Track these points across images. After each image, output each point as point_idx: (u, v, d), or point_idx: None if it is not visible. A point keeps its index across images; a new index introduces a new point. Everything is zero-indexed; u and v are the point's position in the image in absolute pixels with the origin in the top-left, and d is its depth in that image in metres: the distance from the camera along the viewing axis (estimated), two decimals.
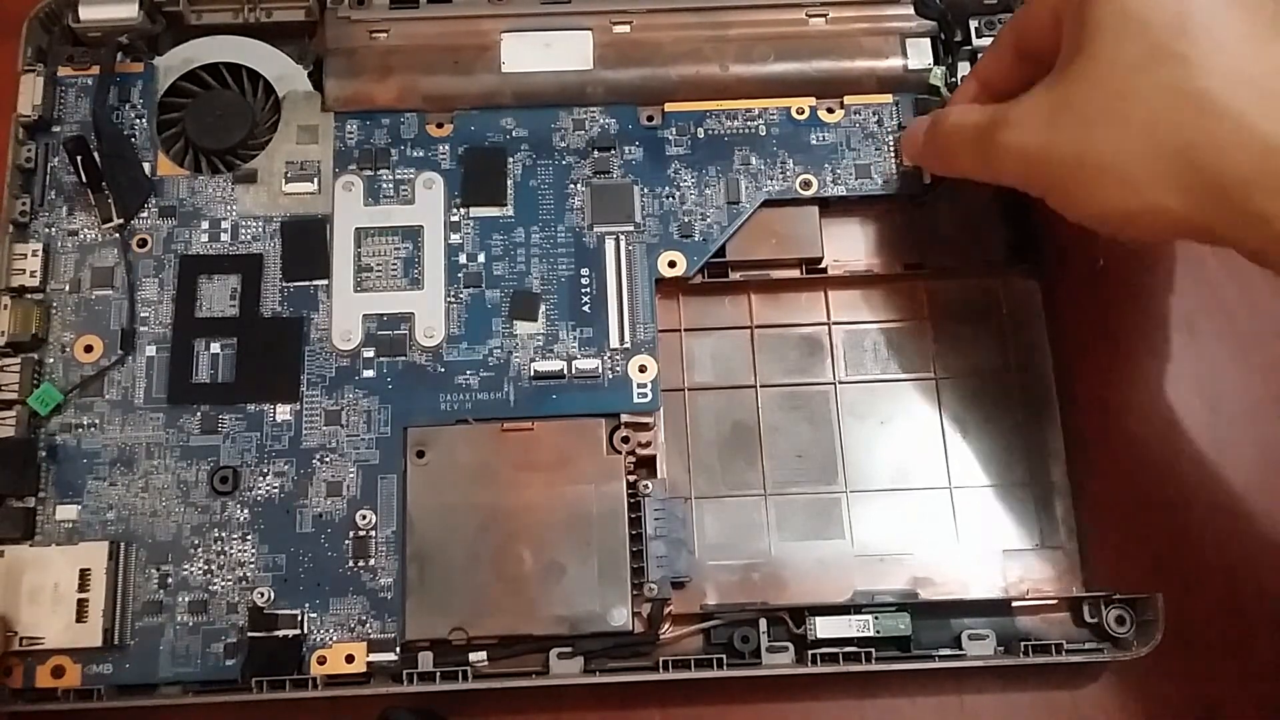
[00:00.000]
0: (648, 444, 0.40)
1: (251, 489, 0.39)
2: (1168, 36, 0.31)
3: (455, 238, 0.42)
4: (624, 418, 0.40)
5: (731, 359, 0.43)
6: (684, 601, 0.39)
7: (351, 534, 0.39)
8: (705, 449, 0.41)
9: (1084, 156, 0.33)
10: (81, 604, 0.37)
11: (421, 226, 0.42)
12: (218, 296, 0.41)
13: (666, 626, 0.39)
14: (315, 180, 0.42)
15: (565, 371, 0.40)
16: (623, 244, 0.42)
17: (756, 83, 0.43)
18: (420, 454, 0.39)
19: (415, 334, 0.41)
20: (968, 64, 0.44)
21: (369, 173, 0.42)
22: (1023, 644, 0.37)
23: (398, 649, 0.38)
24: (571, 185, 0.43)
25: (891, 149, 0.43)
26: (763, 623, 0.38)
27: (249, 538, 0.39)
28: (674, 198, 0.42)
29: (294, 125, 0.43)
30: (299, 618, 0.38)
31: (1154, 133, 0.31)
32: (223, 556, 0.38)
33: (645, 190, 0.42)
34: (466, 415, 0.40)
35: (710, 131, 0.43)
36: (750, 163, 0.43)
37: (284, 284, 0.41)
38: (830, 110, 0.43)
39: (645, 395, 0.40)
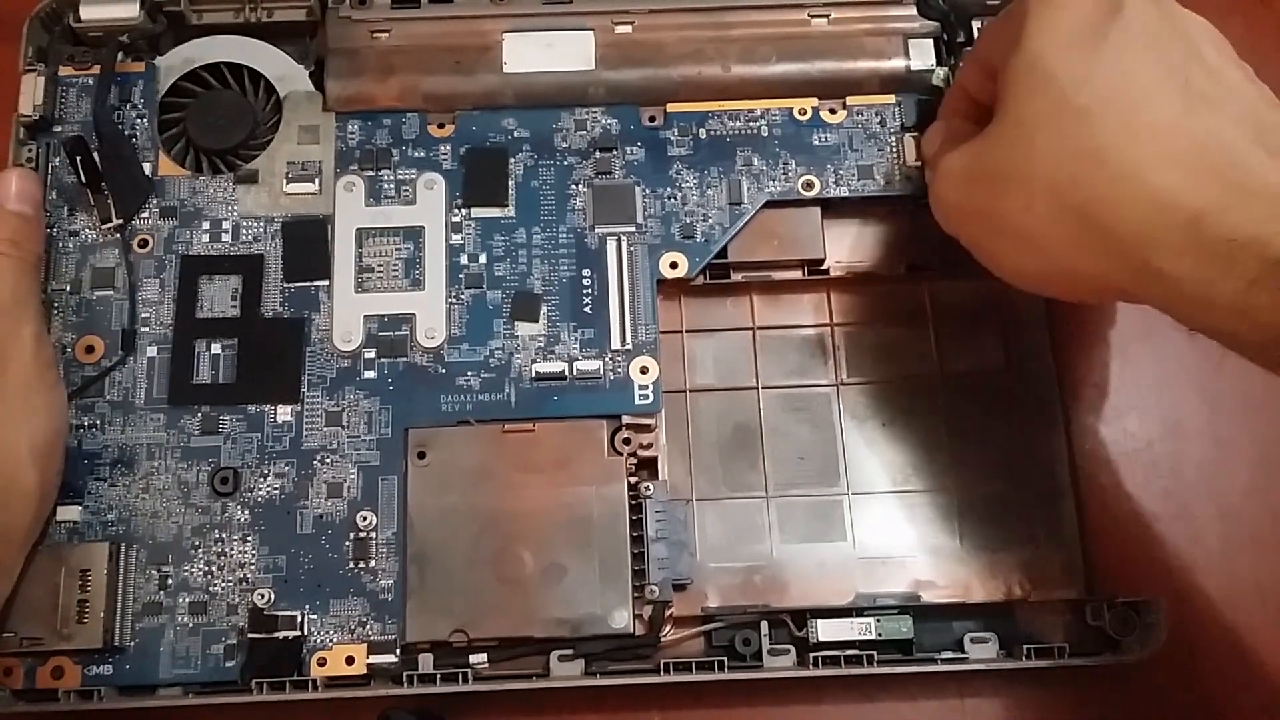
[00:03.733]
0: (649, 445, 0.39)
1: (252, 490, 0.39)
2: (1072, 91, 0.31)
3: (456, 238, 0.42)
4: (625, 419, 0.40)
5: (733, 360, 0.42)
6: (685, 604, 0.39)
7: (352, 535, 0.39)
8: (707, 450, 0.41)
9: (993, 219, 0.33)
10: (82, 605, 0.37)
11: (423, 227, 0.42)
12: (219, 297, 0.41)
13: (668, 629, 0.38)
14: (316, 180, 0.42)
15: (566, 373, 0.40)
16: (624, 245, 0.42)
17: (759, 83, 0.43)
18: (421, 455, 0.39)
19: (416, 335, 0.41)
20: None
21: (370, 173, 0.42)
22: (1025, 647, 0.37)
23: (398, 651, 0.37)
24: (573, 186, 0.42)
25: (894, 150, 0.43)
26: (764, 625, 0.38)
27: (249, 539, 0.39)
28: (676, 198, 0.42)
29: (295, 125, 0.43)
30: (299, 619, 0.38)
31: (1055, 192, 0.31)
32: (223, 558, 0.38)
33: (647, 191, 0.42)
34: (467, 416, 0.40)
35: (712, 132, 0.43)
36: (752, 163, 0.43)
37: (285, 285, 0.41)
38: (833, 111, 0.43)
39: (646, 396, 0.40)
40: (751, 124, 0.43)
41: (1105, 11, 0.32)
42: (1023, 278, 0.34)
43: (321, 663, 0.37)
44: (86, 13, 0.43)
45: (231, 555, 0.38)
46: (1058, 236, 0.32)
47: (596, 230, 0.42)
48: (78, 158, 0.40)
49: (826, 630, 0.37)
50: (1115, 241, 0.30)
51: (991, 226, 0.34)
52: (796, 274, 0.43)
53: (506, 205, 0.42)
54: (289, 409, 0.40)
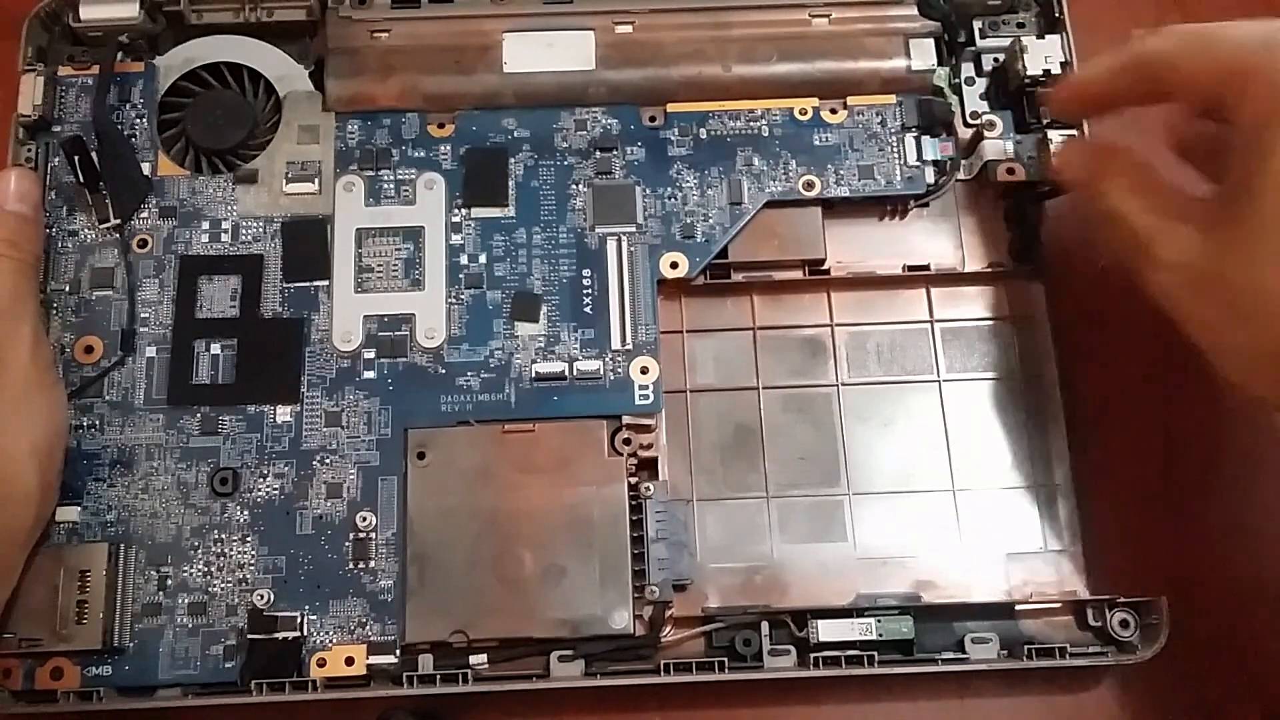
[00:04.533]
0: (649, 446, 0.39)
1: (251, 490, 0.39)
2: None
3: (456, 238, 0.42)
4: (625, 419, 0.40)
5: (734, 360, 0.42)
6: (685, 604, 0.39)
7: (352, 536, 0.39)
8: (707, 451, 0.41)
9: (1222, 335, 0.33)
10: (81, 605, 0.37)
11: (423, 227, 0.42)
12: (218, 297, 0.41)
13: (668, 629, 0.38)
14: (316, 180, 0.42)
15: (566, 373, 0.40)
16: (624, 245, 0.42)
17: (759, 83, 0.43)
18: (421, 455, 0.39)
19: (416, 335, 0.41)
20: (971, 65, 0.44)
21: (370, 173, 0.42)
22: (1026, 648, 0.37)
23: (398, 651, 0.37)
24: (573, 186, 0.42)
25: (895, 150, 0.43)
26: (765, 626, 0.38)
27: (249, 539, 0.39)
28: (676, 199, 0.42)
29: (295, 125, 0.43)
30: (299, 620, 0.38)
31: None
32: (222, 558, 0.38)
33: (647, 191, 0.42)
34: (467, 417, 0.40)
35: (713, 132, 0.43)
36: (753, 163, 0.43)
37: (284, 285, 0.41)
38: (833, 111, 0.43)
39: (647, 397, 0.40)
40: (752, 124, 0.43)
41: None
42: (1220, 363, 0.34)
43: (321, 663, 0.37)
44: (86, 12, 0.43)
45: (231, 556, 0.38)
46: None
47: (597, 230, 0.42)
48: (76, 158, 0.40)
49: (827, 630, 0.37)
50: None
51: (1217, 340, 0.33)
52: (797, 274, 0.43)
53: (506, 205, 0.42)
54: (288, 409, 0.40)
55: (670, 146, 0.43)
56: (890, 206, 0.43)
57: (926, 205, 0.43)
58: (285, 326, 0.41)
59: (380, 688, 0.37)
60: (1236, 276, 0.31)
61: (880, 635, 0.37)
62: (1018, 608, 0.39)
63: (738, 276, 0.42)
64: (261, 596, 0.38)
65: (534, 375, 0.40)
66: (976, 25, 0.44)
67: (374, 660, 0.37)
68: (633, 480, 0.39)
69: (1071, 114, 0.41)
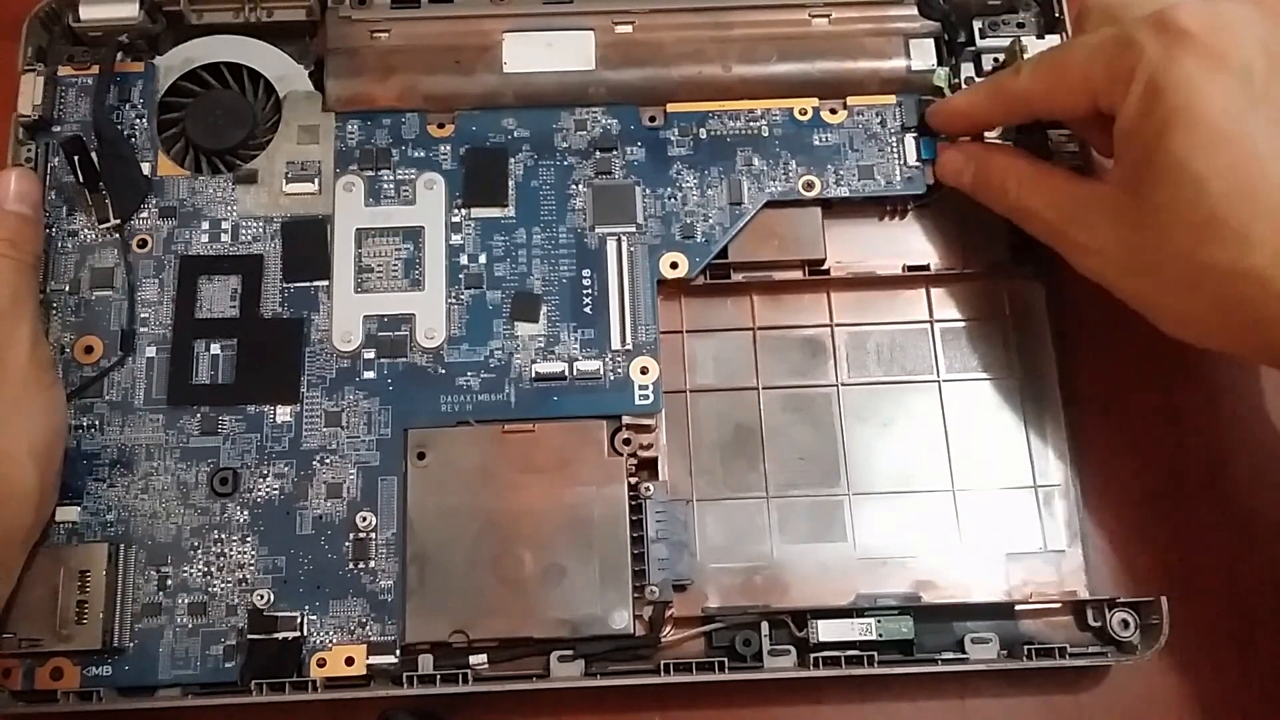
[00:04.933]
0: (649, 446, 0.39)
1: (251, 490, 0.39)
2: (1225, 207, 0.32)
3: (456, 238, 0.42)
4: (625, 419, 0.40)
5: (733, 361, 0.42)
6: (685, 604, 0.39)
7: (351, 536, 0.39)
8: (707, 451, 0.41)
9: (1158, 304, 0.35)
10: (81, 606, 0.37)
11: (422, 227, 0.42)
12: (218, 297, 0.41)
13: (668, 629, 0.38)
14: (316, 181, 0.42)
15: (566, 373, 0.40)
16: (624, 245, 0.42)
17: (759, 83, 0.43)
18: (421, 455, 0.39)
19: (416, 335, 0.40)
20: (971, 65, 0.44)
21: (370, 173, 0.42)
22: (1026, 648, 0.37)
23: (398, 651, 0.37)
24: (573, 186, 0.42)
25: (895, 150, 0.43)
26: (764, 626, 0.38)
27: (249, 539, 0.38)
28: (676, 199, 0.42)
29: (295, 125, 0.43)
30: (299, 620, 0.38)
31: (1223, 306, 0.33)
32: (222, 558, 0.38)
33: (647, 191, 0.42)
34: (467, 417, 0.40)
35: (712, 132, 0.43)
36: (753, 164, 0.43)
37: (284, 285, 0.41)
38: (833, 111, 0.43)
39: (647, 397, 0.40)
40: (752, 124, 0.43)
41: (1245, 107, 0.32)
42: (1174, 335, 0.36)
43: (321, 664, 0.37)
44: (86, 12, 0.43)
45: (231, 556, 0.38)
46: (1223, 335, 0.35)
47: (596, 230, 0.42)
48: (76, 157, 0.40)
49: (827, 631, 0.37)
50: (1274, 348, 0.33)
51: (1152, 304, 0.36)
52: (797, 274, 0.43)
53: (506, 205, 0.42)
54: (288, 409, 0.40)
55: (670, 146, 0.43)
56: (890, 206, 0.43)
57: (926, 205, 0.43)
58: (285, 326, 0.41)
59: (380, 688, 0.37)
60: (1153, 254, 0.34)
61: (880, 635, 0.37)
62: (1018, 608, 0.39)
63: (738, 276, 0.42)
64: (261, 597, 0.38)
65: (534, 375, 0.40)
66: (976, 25, 0.44)
67: (374, 660, 0.37)
68: (633, 480, 0.39)
69: (949, 133, 0.42)
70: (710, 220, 0.42)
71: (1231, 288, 0.32)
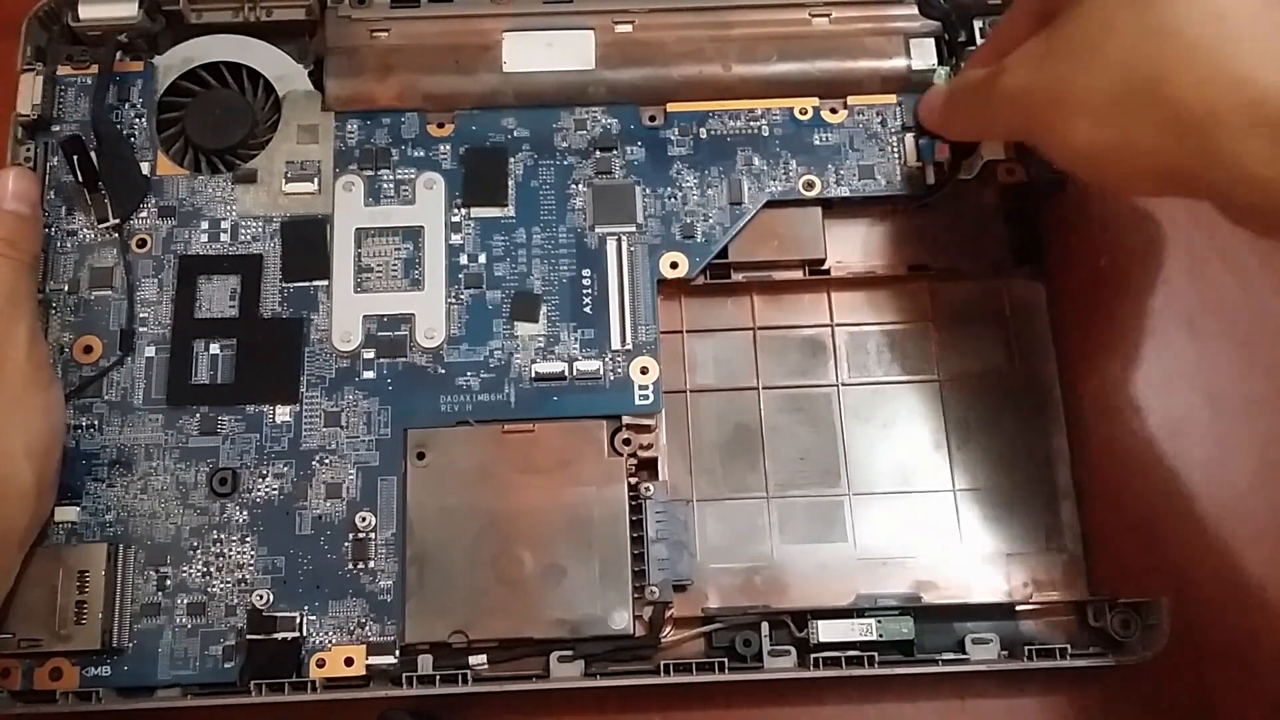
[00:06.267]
0: (649, 446, 0.39)
1: (251, 491, 0.39)
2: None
3: (456, 238, 0.42)
4: (625, 419, 0.40)
5: (733, 361, 0.42)
6: (685, 604, 0.39)
7: (351, 536, 0.38)
8: (707, 451, 0.41)
9: (1061, 93, 0.33)
10: (80, 606, 0.37)
11: (422, 227, 0.42)
12: (217, 297, 0.41)
13: (668, 630, 0.38)
14: (315, 180, 0.42)
15: (566, 373, 0.40)
16: (624, 245, 0.42)
17: (759, 83, 0.43)
18: (420, 456, 0.39)
19: (416, 335, 0.40)
20: None
21: (369, 173, 0.42)
22: (1026, 648, 0.37)
23: (397, 652, 0.37)
24: (573, 185, 0.42)
25: (895, 150, 0.43)
26: (765, 626, 0.38)
27: (248, 539, 0.38)
28: (676, 198, 0.42)
29: (294, 125, 0.43)
30: (298, 620, 0.38)
31: (1127, 68, 0.31)
32: (221, 558, 0.38)
33: (647, 191, 0.42)
34: (467, 417, 0.40)
35: (713, 132, 0.43)
36: (753, 163, 0.43)
37: (284, 284, 0.41)
38: (834, 111, 0.43)
39: (647, 397, 0.40)
40: (752, 124, 0.43)
41: None
42: (1079, 154, 0.34)
43: (320, 664, 0.37)
44: (85, 12, 0.43)
45: (230, 556, 0.38)
46: (1124, 110, 0.32)
47: (596, 230, 0.42)
48: (75, 157, 0.40)
49: (827, 631, 0.37)
50: (1186, 118, 0.31)
51: (1056, 102, 0.34)
52: (797, 274, 0.43)
53: (506, 205, 0.42)
54: (288, 409, 0.40)
55: (670, 146, 0.43)
56: (890, 206, 0.43)
57: (926, 205, 0.43)
58: (285, 326, 0.41)
59: (380, 688, 0.37)
60: (1073, 40, 0.33)
61: (880, 636, 0.37)
62: (1018, 608, 0.39)
63: (738, 276, 0.42)
64: (261, 597, 0.38)
65: (534, 375, 0.40)
66: (976, 25, 0.44)
67: (373, 661, 0.37)
68: (633, 480, 0.39)
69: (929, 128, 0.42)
70: (710, 220, 0.42)
71: (1147, 49, 0.31)
